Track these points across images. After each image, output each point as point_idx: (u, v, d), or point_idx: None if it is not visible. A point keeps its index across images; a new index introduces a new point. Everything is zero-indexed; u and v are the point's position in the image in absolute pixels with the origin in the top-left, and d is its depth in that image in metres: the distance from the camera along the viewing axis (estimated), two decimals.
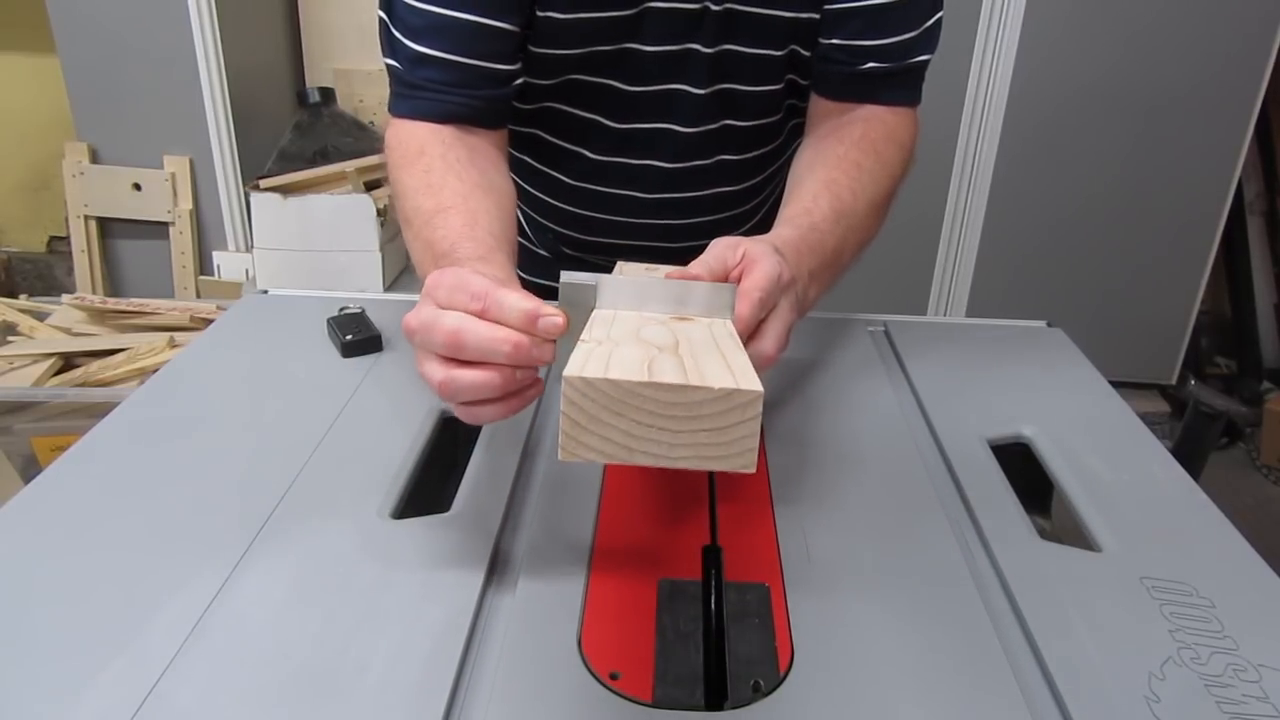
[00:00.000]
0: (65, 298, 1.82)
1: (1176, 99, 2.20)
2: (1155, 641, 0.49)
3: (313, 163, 2.25)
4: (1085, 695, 0.45)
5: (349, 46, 2.57)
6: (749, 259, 0.56)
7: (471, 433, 0.67)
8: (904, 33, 0.75)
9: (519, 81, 0.74)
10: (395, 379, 0.74)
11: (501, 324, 0.46)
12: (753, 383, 0.40)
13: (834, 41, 0.75)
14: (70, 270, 2.45)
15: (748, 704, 0.44)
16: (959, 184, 2.32)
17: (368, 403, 0.71)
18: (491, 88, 0.72)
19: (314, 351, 0.79)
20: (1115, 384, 0.79)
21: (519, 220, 0.98)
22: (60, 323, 1.77)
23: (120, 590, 0.50)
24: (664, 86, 0.78)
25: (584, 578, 0.53)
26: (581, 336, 0.46)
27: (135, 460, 0.62)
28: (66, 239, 2.41)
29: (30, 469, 1.48)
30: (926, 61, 0.78)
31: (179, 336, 1.71)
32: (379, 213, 2.17)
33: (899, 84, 0.78)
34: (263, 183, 2.18)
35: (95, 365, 1.62)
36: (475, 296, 0.47)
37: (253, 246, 2.27)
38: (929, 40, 0.77)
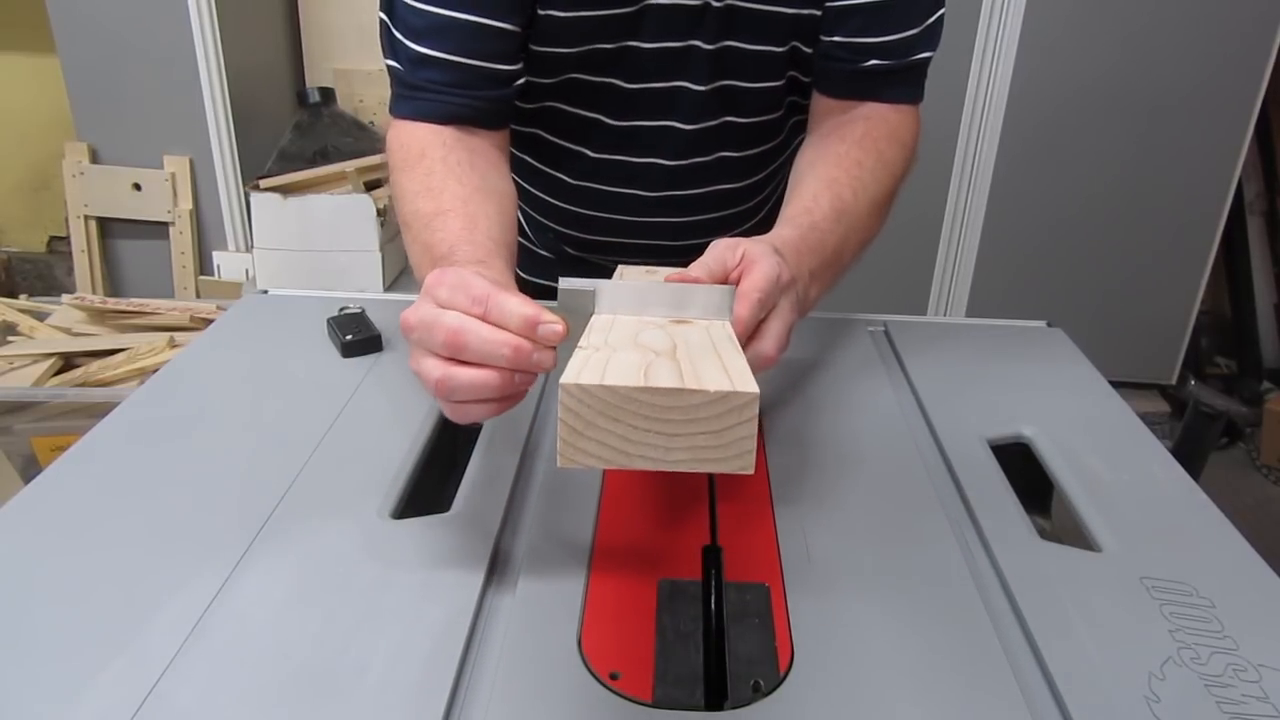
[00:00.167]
0: (65, 298, 1.82)
1: (1176, 99, 2.20)
2: (1155, 641, 0.49)
3: (313, 163, 2.25)
4: (1085, 695, 0.45)
5: (349, 46, 2.57)
6: (748, 259, 0.56)
7: (471, 433, 0.67)
8: (905, 30, 0.75)
9: (520, 82, 0.74)
10: (395, 379, 0.74)
11: (502, 328, 0.46)
12: (749, 384, 0.40)
13: (835, 39, 0.75)
14: (70, 270, 2.45)
15: (748, 704, 0.44)
16: (959, 184, 2.32)
17: (368, 403, 0.71)
18: (493, 88, 0.72)
19: (314, 351, 0.79)
20: (1115, 384, 0.79)
21: (520, 221, 0.98)
22: (60, 323, 1.77)
23: (120, 590, 0.50)
24: (665, 84, 0.78)
25: (584, 578, 0.53)
26: (579, 343, 0.46)
27: (135, 460, 0.62)
28: (66, 239, 2.41)
29: (30, 469, 1.47)
30: (928, 59, 0.78)
31: (179, 336, 1.71)
32: (379, 213, 2.17)
33: (901, 82, 0.78)
34: (263, 183, 2.18)
35: (95, 365, 1.62)
36: (476, 300, 0.47)
37: (253, 246, 2.27)
38: (931, 37, 0.77)
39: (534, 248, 1.00)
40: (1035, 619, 0.51)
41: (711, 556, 0.56)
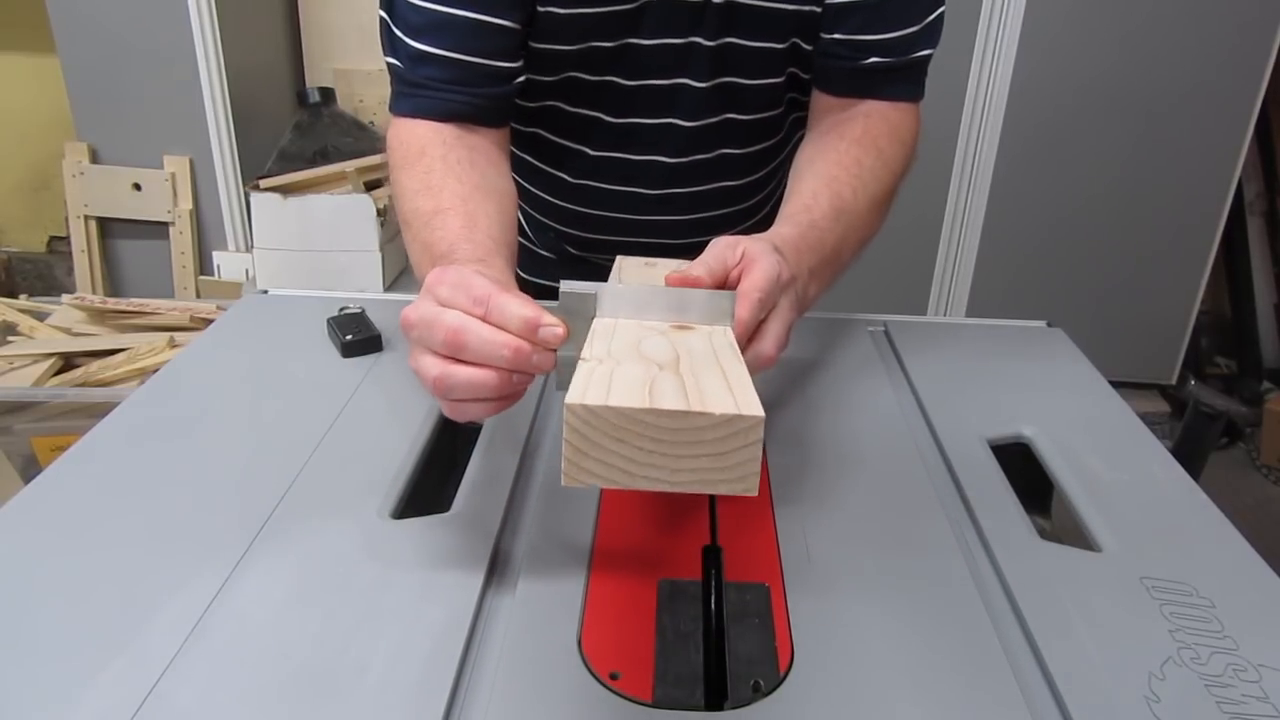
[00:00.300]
0: (65, 298, 1.82)
1: (1176, 99, 2.20)
2: (1155, 641, 0.49)
3: (313, 163, 2.25)
4: (1085, 695, 0.45)
5: (349, 46, 2.57)
6: (748, 258, 0.56)
7: (471, 433, 0.67)
8: (905, 27, 0.75)
9: (521, 79, 0.74)
10: (395, 379, 0.74)
11: (502, 329, 0.46)
12: (754, 408, 0.40)
13: (835, 36, 0.75)
14: (70, 270, 2.45)
15: (748, 704, 0.44)
16: (959, 184, 2.32)
17: (368, 403, 0.71)
18: (493, 85, 0.72)
19: (314, 351, 0.79)
20: (1115, 384, 0.79)
21: (520, 220, 0.98)
22: (60, 323, 1.77)
23: (120, 590, 0.50)
24: (666, 81, 0.78)
25: (584, 578, 0.53)
26: (582, 354, 0.46)
27: (135, 460, 0.62)
28: (66, 239, 2.41)
29: (30, 469, 1.47)
30: (929, 56, 0.78)
31: (179, 336, 1.71)
32: (379, 213, 2.17)
33: (901, 79, 0.78)
34: (263, 183, 2.18)
35: (95, 365, 1.62)
36: (477, 300, 0.47)
37: (253, 246, 2.27)
38: (931, 35, 0.77)
39: (534, 248, 1.00)
40: (1035, 619, 0.51)
41: (711, 556, 0.56)
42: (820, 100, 0.80)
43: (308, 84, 2.55)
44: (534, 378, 0.49)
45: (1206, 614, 0.52)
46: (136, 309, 1.80)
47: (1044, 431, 0.70)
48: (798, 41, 0.77)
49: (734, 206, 0.90)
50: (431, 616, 0.49)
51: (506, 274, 0.59)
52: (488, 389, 0.47)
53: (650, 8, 0.73)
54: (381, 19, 0.73)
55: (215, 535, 0.54)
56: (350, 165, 2.22)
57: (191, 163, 2.34)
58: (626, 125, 0.81)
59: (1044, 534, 0.60)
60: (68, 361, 1.65)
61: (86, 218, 2.37)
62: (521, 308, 0.46)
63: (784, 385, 0.76)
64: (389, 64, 0.73)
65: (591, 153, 0.84)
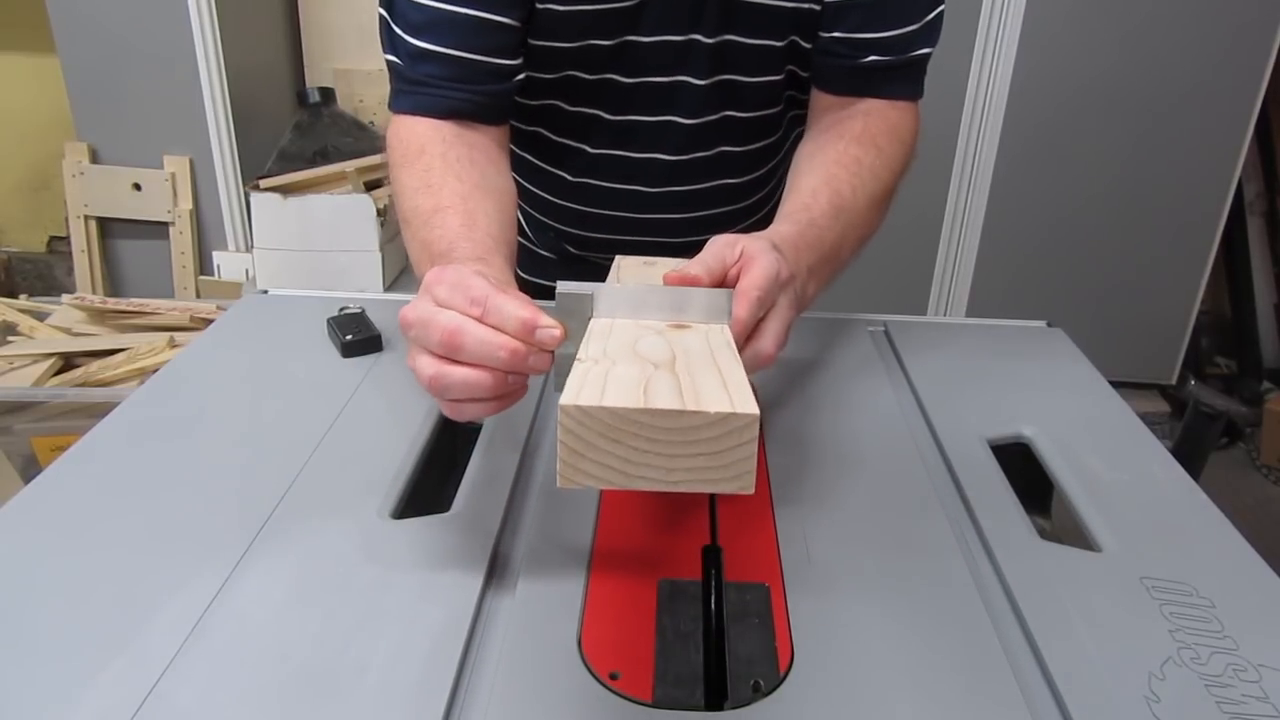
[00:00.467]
0: (65, 298, 1.82)
1: (1176, 99, 2.20)
2: (1155, 641, 0.49)
3: (313, 163, 2.25)
4: (1085, 695, 0.45)
5: (349, 46, 2.57)
6: (747, 256, 0.56)
7: (471, 433, 0.67)
8: (905, 26, 0.75)
9: (520, 76, 0.74)
10: (395, 379, 0.74)
11: (499, 330, 0.46)
12: (749, 405, 0.40)
13: (835, 35, 0.75)
14: (70, 270, 2.45)
15: (748, 704, 0.44)
16: (959, 184, 2.32)
17: (368, 403, 0.71)
18: (492, 83, 0.72)
19: (314, 351, 0.79)
20: (1115, 384, 0.79)
21: (520, 220, 0.98)
22: (60, 323, 1.77)
23: (120, 590, 0.50)
24: (665, 78, 0.78)
25: (584, 578, 0.53)
26: (578, 355, 0.46)
27: (135, 460, 0.62)
28: (66, 239, 2.41)
29: (30, 469, 1.48)
30: (928, 55, 0.78)
31: (179, 336, 1.71)
32: (379, 213, 2.17)
33: (900, 78, 0.78)
34: (263, 183, 2.18)
35: (95, 365, 1.62)
36: (475, 301, 0.47)
37: (253, 246, 2.27)
38: (930, 33, 0.77)
39: (534, 247, 1.00)
40: (1035, 619, 0.51)
41: (711, 556, 0.56)
42: (819, 99, 0.80)
43: (308, 84, 2.55)
44: (530, 377, 0.49)
45: (1206, 614, 0.52)
46: (136, 309, 1.80)
47: (1044, 431, 0.70)
48: (796, 39, 0.77)
49: (734, 205, 0.90)
50: (431, 617, 0.49)
51: (505, 273, 0.59)
52: (483, 389, 0.47)
53: (649, 5, 0.73)
54: (381, 17, 0.73)
55: (215, 535, 0.54)
56: (350, 165, 2.22)
57: (191, 163, 2.34)
58: (626, 123, 0.81)
59: (1044, 534, 0.60)
60: (68, 361, 1.65)
61: (86, 218, 2.37)
62: (519, 309, 0.46)
63: (784, 385, 0.76)
64: (388, 61, 0.73)
65: (591, 150, 0.84)
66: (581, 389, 0.40)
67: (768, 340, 0.55)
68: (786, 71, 0.80)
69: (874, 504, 0.61)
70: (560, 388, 0.45)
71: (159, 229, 2.39)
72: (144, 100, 2.27)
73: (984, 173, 2.30)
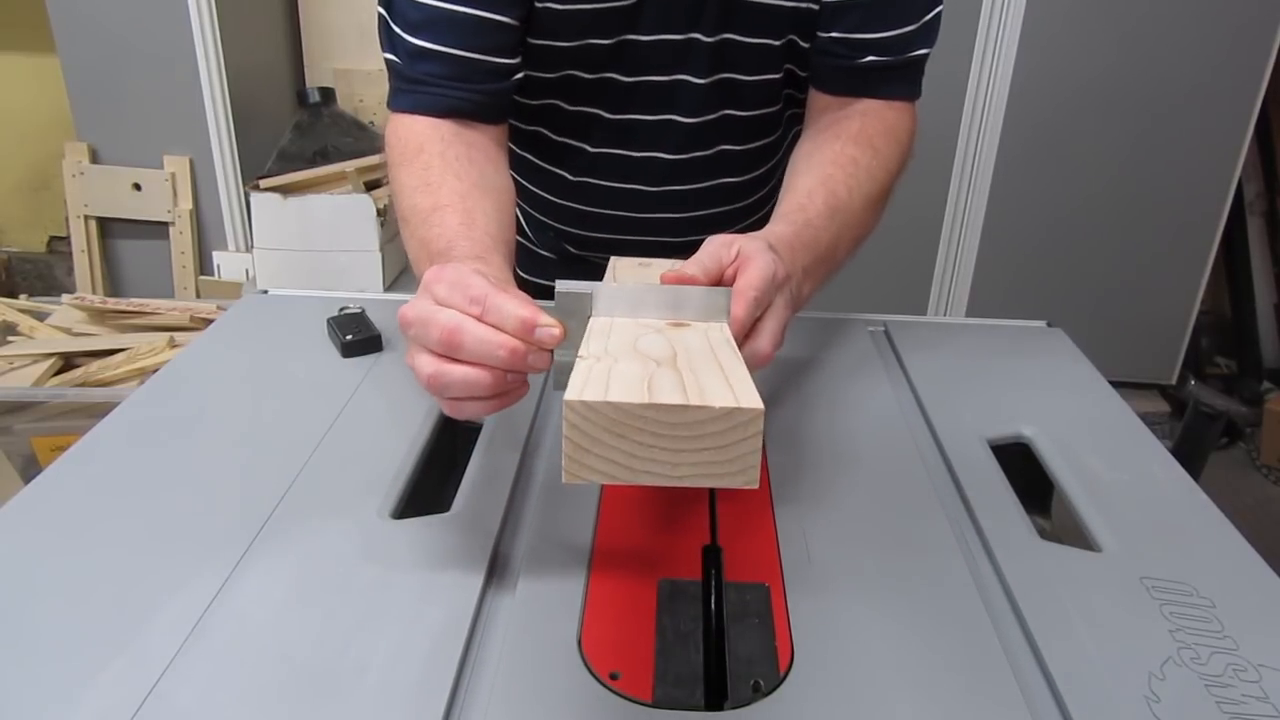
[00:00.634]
0: (65, 298, 1.82)
1: (1176, 99, 2.20)
2: (1155, 641, 0.49)
3: (313, 163, 2.25)
4: (1085, 695, 0.45)
5: (349, 46, 2.57)
6: (743, 256, 0.56)
7: (471, 433, 0.67)
8: (903, 26, 0.75)
9: (519, 76, 0.74)
10: (395, 379, 0.74)
11: (498, 329, 0.46)
12: (753, 400, 0.40)
13: (833, 35, 0.75)
14: (70, 270, 2.45)
15: (748, 704, 0.44)
16: (959, 184, 2.32)
17: (368, 403, 0.71)
18: (491, 81, 0.72)
19: (314, 351, 0.79)
20: (1115, 384, 0.79)
21: (520, 220, 0.98)
22: (60, 323, 1.77)
23: (120, 590, 0.50)
24: (665, 77, 0.78)
25: (584, 578, 0.53)
26: (579, 352, 0.46)
27: (135, 460, 0.62)
28: (66, 239, 2.42)
29: (30, 469, 1.48)
30: (925, 55, 0.78)
31: (179, 336, 1.71)
32: (379, 213, 2.17)
33: (898, 78, 0.78)
34: (263, 183, 2.18)
35: (95, 365, 1.62)
36: (474, 300, 0.47)
37: (253, 246, 2.27)
38: (928, 34, 0.77)
39: (534, 247, 1.00)
40: (1035, 619, 0.51)
41: (711, 556, 0.56)
42: (816, 99, 0.80)
43: (308, 84, 2.55)
44: (531, 376, 0.49)
45: (1206, 614, 0.52)
46: (136, 309, 1.80)
47: (1044, 431, 0.70)
48: (794, 38, 0.77)
49: (734, 204, 0.90)
50: (431, 617, 0.49)
51: (504, 271, 0.59)
52: (482, 388, 0.47)
53: (648, 4, 0.73)
54: (380, 15, 0.73)
55: (215, 535, 0.54)
56: (350, 165, 2.22)
57: (191, 163, 2.34)
58: (625, 122, 0.81)
59: (1044, 534, 0.60)
60: (68, 361, 1.65)
61: (86, 218, 2.37)
62: (518, 308, 0.46)
63: (784, 385, 0.76)
64: (387, 60, 0.73)
65: (591, 150, 0.84)
66: (585, 385, 0.41)
67: (765, 339, 0.55)
68: (785, 70, 0.80)
69: (874, 504, 0.61)
70: (560, 386, 0.45)
71: (159, 229, 2.39)
72: (144, 100, 2.27)
73: (984, 173, 2.30)
